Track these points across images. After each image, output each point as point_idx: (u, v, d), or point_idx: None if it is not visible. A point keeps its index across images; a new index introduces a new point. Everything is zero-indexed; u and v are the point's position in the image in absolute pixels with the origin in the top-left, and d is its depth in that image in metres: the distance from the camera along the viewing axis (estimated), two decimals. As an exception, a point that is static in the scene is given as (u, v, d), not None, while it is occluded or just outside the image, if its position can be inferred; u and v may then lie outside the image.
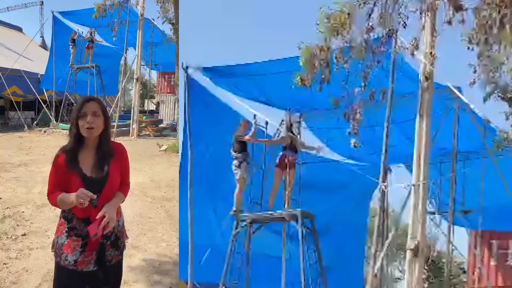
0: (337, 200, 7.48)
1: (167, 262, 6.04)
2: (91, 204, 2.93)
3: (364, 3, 5.25)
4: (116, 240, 3.16)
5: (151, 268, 5.80)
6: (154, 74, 28.86)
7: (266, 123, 6.67)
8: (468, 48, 5.42)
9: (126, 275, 3.62)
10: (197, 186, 6.95)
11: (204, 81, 6.79)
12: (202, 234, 6.82)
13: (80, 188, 2.80)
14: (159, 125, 22.22)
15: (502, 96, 5.35)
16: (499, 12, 5.20)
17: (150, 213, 8.12)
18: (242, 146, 6.45)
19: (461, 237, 7.91)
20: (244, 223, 6.42)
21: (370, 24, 5.31)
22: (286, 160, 6.42)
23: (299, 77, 5.37)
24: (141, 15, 19.03)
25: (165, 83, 27.16)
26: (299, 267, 5.96)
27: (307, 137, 6.89)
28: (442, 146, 6.46)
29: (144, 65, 22.65)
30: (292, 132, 6.50)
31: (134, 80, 20.12)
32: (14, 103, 22.50)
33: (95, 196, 2.83)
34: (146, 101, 29.75)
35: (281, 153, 6.57)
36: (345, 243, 7.51)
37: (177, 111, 18.69)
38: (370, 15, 5.26)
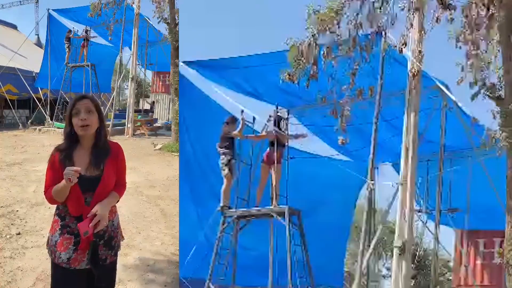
0: (323, 196, 7.51)
1: (162, 261, 6.02)
2: (84, 202, 2.94)
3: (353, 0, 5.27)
4: (109, 239, 3.13)
5: (146, 267, 5.77)
6: (148, 73, 28.91)
7: (254, 119, 6.67)
8: (456, 47, 5.46)
9: (120, 274, 3.61)
10: (187, 183, 6.97)
11: (194, 77, 6.81)
12: (192, 230, 6.83)
13: (67, 167, 2.79)
14: (154, 125, 22.17)
15: (490, 95, 5.34)
16: (487, 11, 5.24)
17: (145, 212, 8.08)
18: (230, 142, 6.46)
19: (448, 235, 7.95)
20: (231, 219, 6.42)
21: (359, 21, 5.33)
22: (272, 156, 6.42)
23: (286, 73, 5.38)
24: (137, 14, 19.01)
25: (160, 83, 27.16)
26: (286, 263, 5.96)
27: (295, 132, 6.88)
28: (430, 145, 6.48)
29: (139, 64, 22.63)
30: (279, 127, 6.51)
31: (130, 79, 20.10)
32: (8, 101, 22.40)
33: (80, 169, 2.80)
34: (141, 100, 29.70)
35: (268, 149, 6.58)
36: (328, 238, 7.53)
37: (171, 110, 18.64)
38: (358, 11, 5.28)
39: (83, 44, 20.74)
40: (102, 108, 3.24)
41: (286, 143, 6.62)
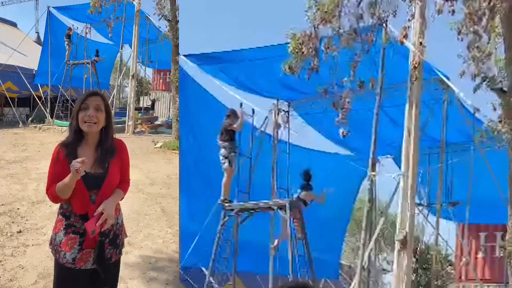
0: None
1: (163, 259, 6.01)
2: (89, 200, 2.92)
3: (354, -10, 5.24)
4: (115, 238, 3.12)
5: (147, 265, 5.75)
6: (149, 71, 28.88)
7: (253, 111, 6.67)
8: (458, 39, 5.44)
9: (122, 272, 3.61)
10: (188, 176, 6.95)
11: (193, 71, 6.81)
12: (192, 223, 6.82)
13: (73, 164, 2.74)
14: (154, 122, 22.16)
15: (491, 87, 5.32)
16: (489, 2, 5.21)
17: (146, 210, 8.05)
18: (230, 136, 6.45)
19: (449, 229, 7.93)
20: (232, 212, 6.41)
21: (360, 12, 5.31)
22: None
23: (287, 64, 5.35)
24: (137, 11, 18.97)
25: (160, 80, 27.19)
26: (287, 255, 5.96)
27: (296, 126, 6.88)
28: (431, 138, 6.46)
29: (139, 62, 22.59)
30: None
31: (130, 77, 20.07)
32: (8, 99, 22.36)
33: (85, 159, 2.78)
34: (141, 98, 29.70)
35: None
36: (326, 231, 7.53)
37: (172, 108, 18.63)
38: (359, 3, 5.26)
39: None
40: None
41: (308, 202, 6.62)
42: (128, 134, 18.54)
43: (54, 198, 2.95)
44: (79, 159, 2.74)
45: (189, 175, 7.01)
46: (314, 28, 5.37)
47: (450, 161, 6.64)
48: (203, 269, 6.68)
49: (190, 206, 6.81)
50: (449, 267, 11.80)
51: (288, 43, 5.38)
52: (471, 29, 5.31)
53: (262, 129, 6.87)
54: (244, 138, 6.73)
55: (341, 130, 5.60)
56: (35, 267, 5.44)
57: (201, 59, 6.61)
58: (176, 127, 16.29)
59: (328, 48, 5.35)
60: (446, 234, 7.43)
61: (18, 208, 7.75)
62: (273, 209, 6.21)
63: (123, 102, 26.61)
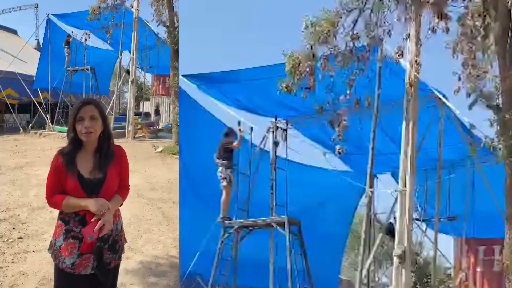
0: (322, 205, 7.53)
1: (164, 264, 6.00)
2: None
3: (349, 11, 5.28)
4: (114, 243, 3.13)
5: (148, 270, 5.75)
6: (148, 76, 28.92)
7: (251, 129, 6.70)
8: (453, 57, 5.48)
9: (122, 277, 3.61)
10: (187, 193, 6.98)
11: (193, 91, 6.85)
12: (193, 236, 6.86)
13: (99, 198, 2.89)
14: (155, 127, 22.21)
15: (487, 103, 5.36)
16: (483, 21, 5.24)
17: (147, 215, 8.06)
18: (228, 154, 6.47)
19: (448, 243, 7.96)
20: (231, 229, 6.44)
21: (355, 32, 5.34)
22: None
23: (284, 84, 5.39)
24: (136, 18, 18.99)
25: (160, 86, 27.24)
26: (286, 272, 5.99)
27: (294, 144, 6.92)
28: (429, 154, 6.48)
29: (138, 67, 22.61)
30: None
31: (129, 82, 20.09)
32: (9, 105, 22.41)
33: (109, 205, 2.95)
34: (141, 103, 29.73)
35: None
36: (325, 246, 7.56)
37: (172, 113, 18.65)
38: (355, 23, 5.29)
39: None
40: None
41: None
42: (128, 139, 18.58)
43: (54, 207, 3.00)
44: (107, 203, 2.93)
45: (188, 192, 7.05)
46: (311, 47, 5.40)
47: (448, 176, 6.67)
48: (203, 284, 6.71)
49: (190, 221, 6.83)
50: (448, 281, 11.82)
51: (285, 63, 5.41)
52: (466, 47, 5.35)
53: (261, 146, 6.89)
54: (243, 156, 6.77)
55: (337, 147, 5.64)
56: (36, 273, 5.45)
57: (200, 79, 6.66)
58: (176, 132, 16.32)
59: (325, 67, 5.38)
60: (445, 248, 7.47)
61: (18, 214, 7.75)
62: (273, 226, 6.25)
63: (122, 107, 26.64)
